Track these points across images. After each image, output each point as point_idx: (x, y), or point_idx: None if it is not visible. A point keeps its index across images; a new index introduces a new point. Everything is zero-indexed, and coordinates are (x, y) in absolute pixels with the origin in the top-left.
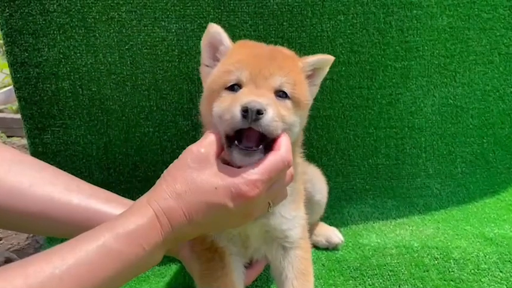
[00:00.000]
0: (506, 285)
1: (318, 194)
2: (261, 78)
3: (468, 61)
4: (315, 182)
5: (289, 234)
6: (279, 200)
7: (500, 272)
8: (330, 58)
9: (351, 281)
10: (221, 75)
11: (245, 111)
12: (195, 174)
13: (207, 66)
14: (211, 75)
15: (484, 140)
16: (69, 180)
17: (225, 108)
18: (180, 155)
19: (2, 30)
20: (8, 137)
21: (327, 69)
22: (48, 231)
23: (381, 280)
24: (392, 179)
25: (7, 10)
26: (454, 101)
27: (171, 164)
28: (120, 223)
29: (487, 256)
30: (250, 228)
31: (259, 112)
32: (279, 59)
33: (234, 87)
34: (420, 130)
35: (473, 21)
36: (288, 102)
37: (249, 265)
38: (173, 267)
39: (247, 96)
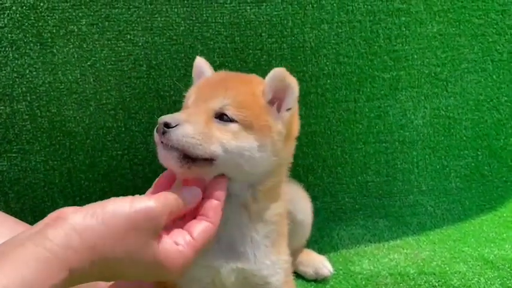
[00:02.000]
0: None
1: (300, 214)
2: (201, 101)
3: (460, 69)
4: (297, 200)
5: (270, 280)
6: None
7: None
8: (279, 71)
9: None
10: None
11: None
12: (139, 248)
13: None
14: None
15: (479, 153)
16: (17, 226)
17: None
18: (136, 208)
19: None
20: None
21: (293, 88)
22: None
23: None
24: (384, 197)
25: None
26: (446, 112)
27: (127, 204)
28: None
29: (489, 282)
30: (225, 277)
31: (167, 125)
32: (229, 83)
33: None
34: (411, 144)
35: (464, 27)
36: (233, 126)
37: None
38: None
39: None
